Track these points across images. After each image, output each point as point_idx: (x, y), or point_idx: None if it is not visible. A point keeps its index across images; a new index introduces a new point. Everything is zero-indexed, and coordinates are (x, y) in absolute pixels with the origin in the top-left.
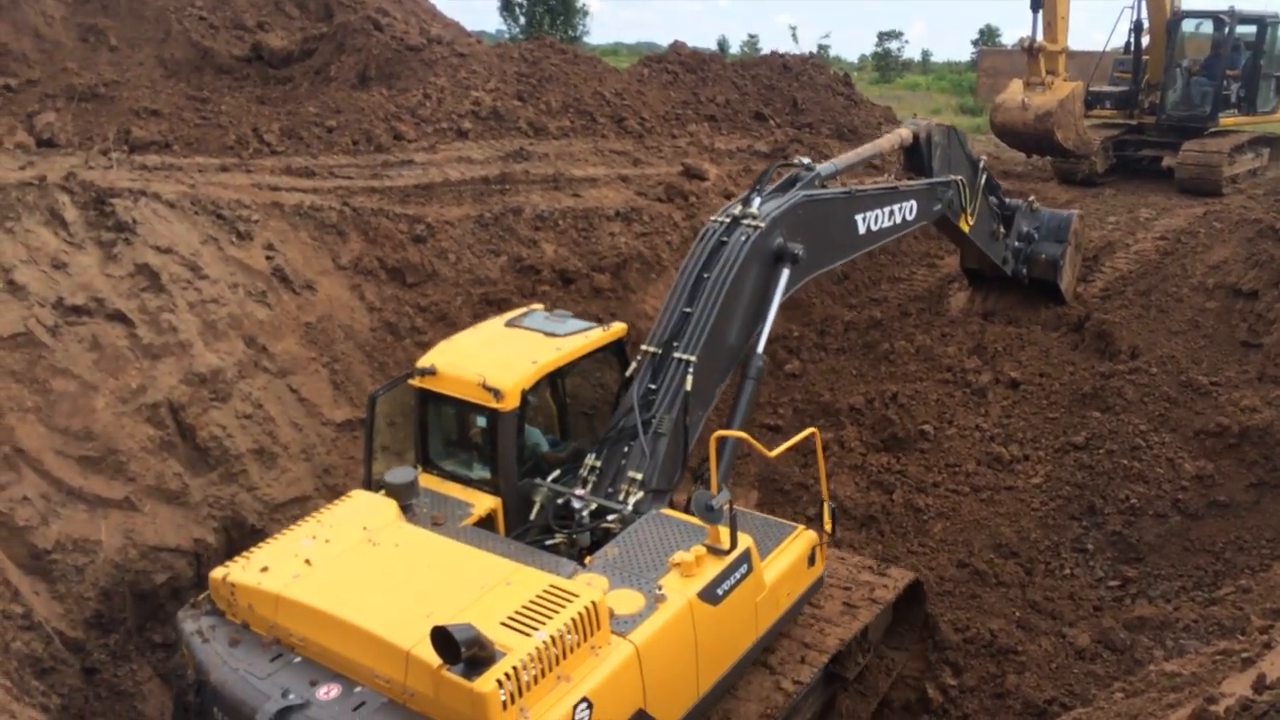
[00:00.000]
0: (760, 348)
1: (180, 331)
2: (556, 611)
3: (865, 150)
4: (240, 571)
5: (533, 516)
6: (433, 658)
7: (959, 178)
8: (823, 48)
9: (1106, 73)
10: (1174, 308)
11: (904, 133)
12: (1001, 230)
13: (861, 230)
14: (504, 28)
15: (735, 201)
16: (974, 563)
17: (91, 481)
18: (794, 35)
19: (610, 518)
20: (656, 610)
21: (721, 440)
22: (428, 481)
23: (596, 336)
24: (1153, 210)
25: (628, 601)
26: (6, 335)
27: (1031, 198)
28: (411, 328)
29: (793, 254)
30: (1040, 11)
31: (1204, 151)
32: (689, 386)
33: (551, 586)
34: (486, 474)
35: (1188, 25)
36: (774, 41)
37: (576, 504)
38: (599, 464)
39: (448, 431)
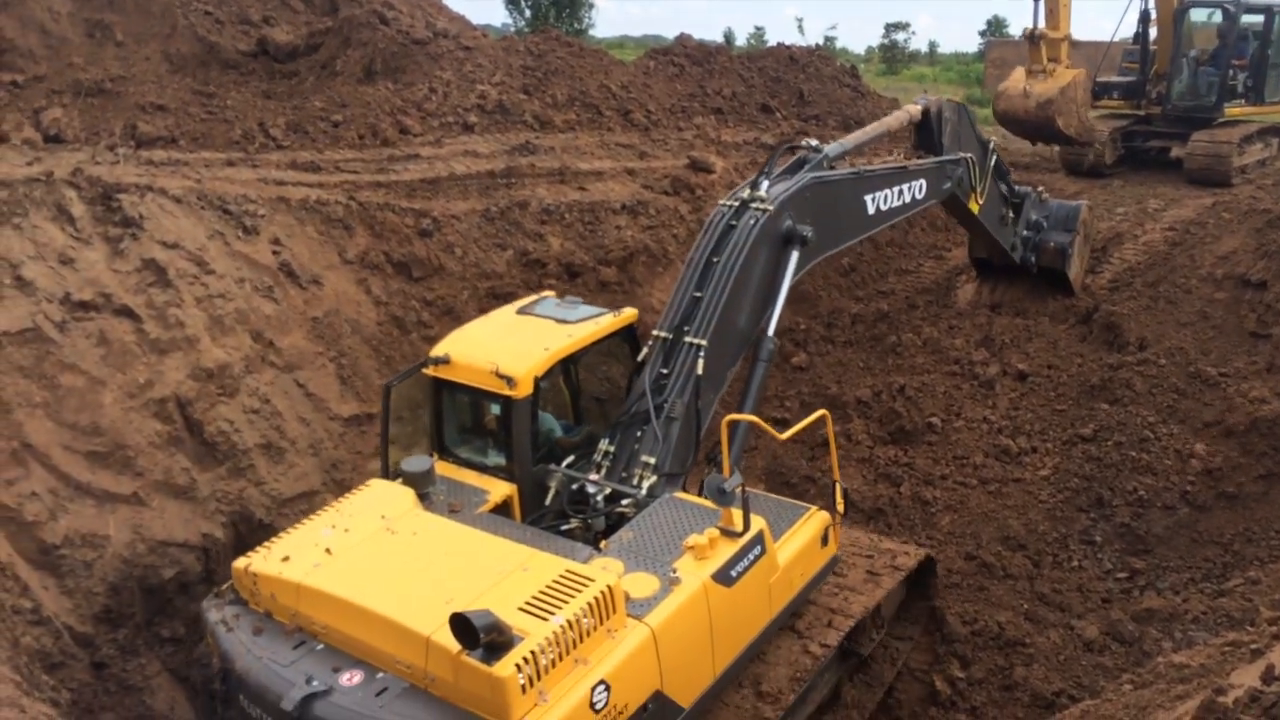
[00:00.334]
0: (771, 330)
1: (187, 326)
2: (573, 596)
3: (873, 129)
4: (262, 561)
5: (548, 502)
6: (452, 643)
7: (969, 155)
8: (829, 39)
9: (1115, 63)
10: (1182, 299)
11: (913, 108)
12: (1011, 215)
13: (871, 210)
14: (509, 21)
15: (744, 185)
16: (982, 555)
17: (99, 476)
18: (800, 27)
19: (624, 502)
20: (671, 593)
21: (733, 424)
22: (444, 469)
23: (608, 322)
24: (1161, 201)
25: (643, 585)
26: (14, 331)
27: (1040, 188)
28: (418, 322)
29: (802, 236)
30: None
31: (1213, 142)
32: (700, 370)
33: (568, 571)
34: (501, 461)
35: (1197, 15)
36: (780, 33)
37: (591, 489)
38: (612, 449)
39: (462, 419)
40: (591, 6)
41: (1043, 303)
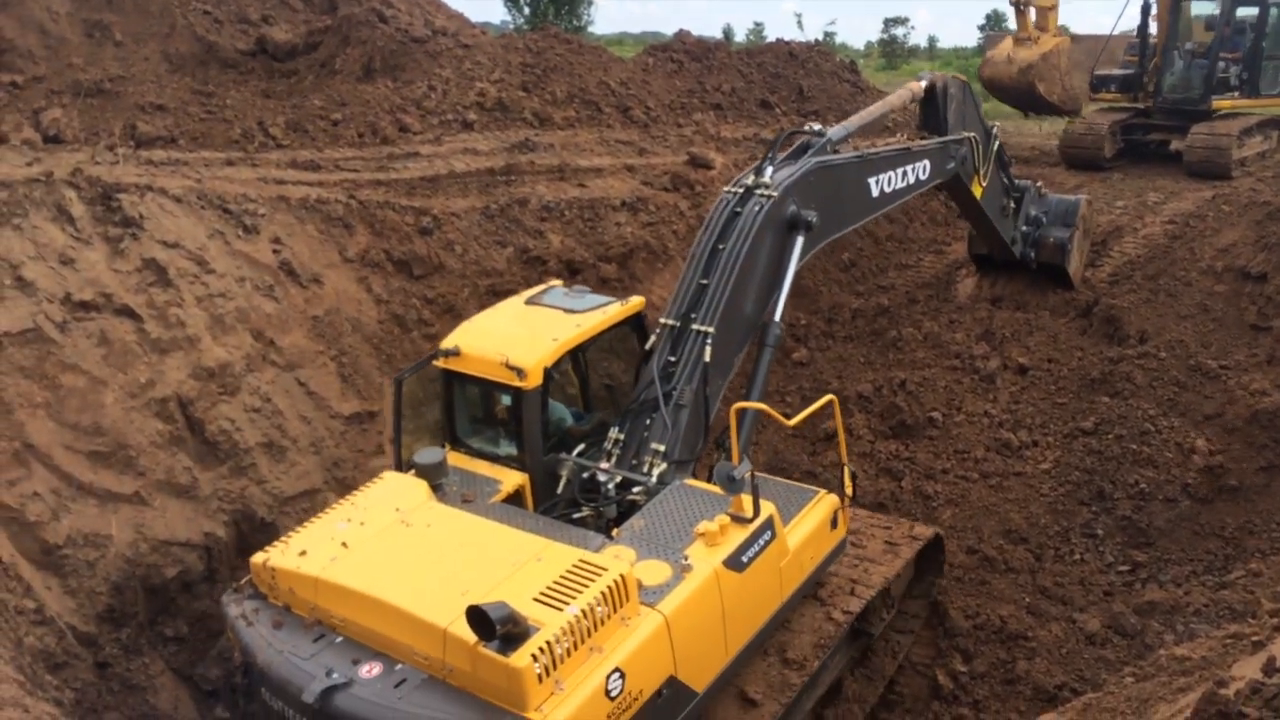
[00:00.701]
0: (777, 316)
1: (188, 326)
2: (587, 585)
3: (876, 109)
4: (280, 556)
5: (559, 491)
6: (469, 635)
7: (972, 134)
8: (828, 35)
9: (1116, 57)
10: (1183, 292)
11: (917, 85)
12: (1012, 207)
13: (875, 193)
14: (508, 18)
15: (748, 171)
16: (983, 549)
17: (101, 476)
18: (799, 23)
19: (635, 490)
20: (683, 580)
21: (741, 411)
22: (456, 460)
23: (615, 311)
24: (1161, 194)
25: (655, 572)
26: (15, 331)
27: (1039, 183)
28: (419, 319)
29: (806, 221)
30: None
31: (1213, 134)
32: (708, 358)
33: (581, 561)
34: (513, 451)
35: (1197, 7)
36: (779, 29)
37: (602, 477)
38: (622, 437)
39: (474, 410)
40: (590, 3)
41: (1043, 296)
